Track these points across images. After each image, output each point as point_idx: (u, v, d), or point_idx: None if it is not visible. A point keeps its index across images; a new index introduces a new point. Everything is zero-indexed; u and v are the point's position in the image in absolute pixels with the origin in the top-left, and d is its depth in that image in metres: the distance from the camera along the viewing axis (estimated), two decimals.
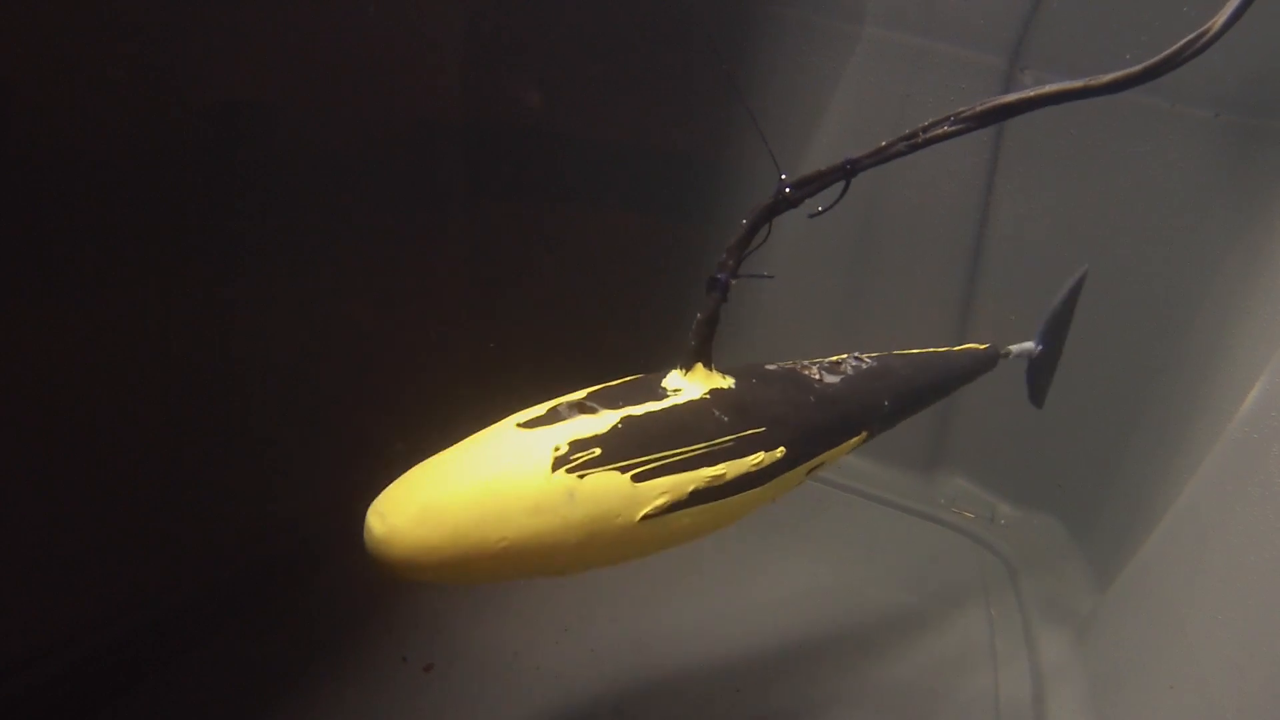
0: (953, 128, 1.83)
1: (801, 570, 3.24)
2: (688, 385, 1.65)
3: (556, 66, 3.40)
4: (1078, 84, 1.74)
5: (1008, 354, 2.86)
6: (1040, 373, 3.22)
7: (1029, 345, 3.01)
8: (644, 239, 4.11)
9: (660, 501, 1.38)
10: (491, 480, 1.27)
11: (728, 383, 1.70)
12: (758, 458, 1.57)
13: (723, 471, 1.49)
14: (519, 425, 1.36)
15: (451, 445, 1.37)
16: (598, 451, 1.33)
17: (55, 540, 1.99)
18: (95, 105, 1.84)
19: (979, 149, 3.89)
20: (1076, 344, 3.91)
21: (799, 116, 4.05)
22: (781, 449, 1.63)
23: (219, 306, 2.31)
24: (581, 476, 1.29)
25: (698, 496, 1.45)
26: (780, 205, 1.79)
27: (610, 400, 1.45)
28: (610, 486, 1.33)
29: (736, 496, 1.54)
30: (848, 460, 4.14)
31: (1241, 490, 2.17)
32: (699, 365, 1.70)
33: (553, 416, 1.38)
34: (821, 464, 1.84)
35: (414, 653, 2.41)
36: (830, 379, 1.93)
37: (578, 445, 1.32)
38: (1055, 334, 3.14)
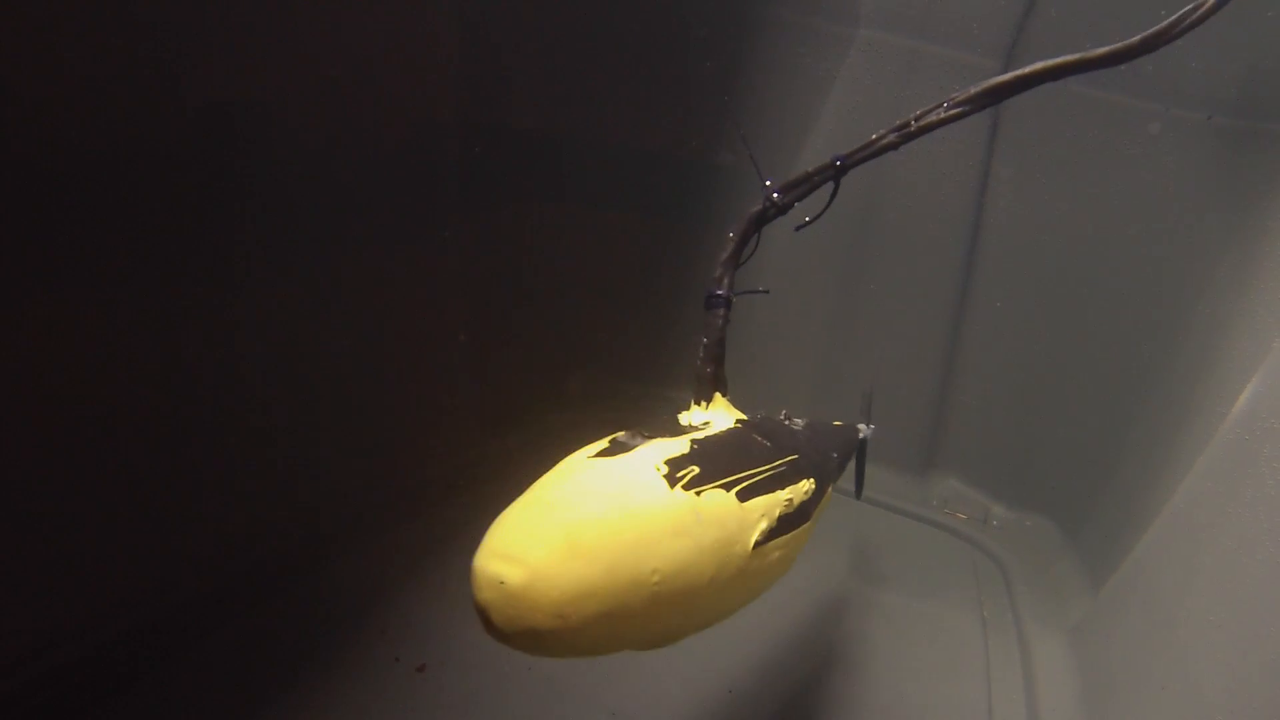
0: (949, 113, 1.75)
1: (795, 571, 3.23)
2: (714, 417, 1.56)
3: (553, 70, 3.40)
4: (1073, 58, 1.69)
5: (860, 433, 2.79)
6: (861, 456, 3.12)
7: (863, 427, 2.94)
8: (641, 240, 4.11)
9: (763, 526, 1.27)
10: (622, 499, 1.07)
11: (744, 416, 1.61)
12: (806, 485, 1.48)
13: (791, 496, 1.40)
14: (595, 456, 1.18)
15: (528, 486, 1.13)
16: (696, 470, 1.18)
17: (52, 541, 1.99)
18: (92, 106, 1.83)
19: (971, 153, 3.90)
20: (1071, 346, 3.93)
21: (793, 119, 4.05)
22: (812, 480, 1.54)
23: (218, 308, 2.30)
24: (699, 493, 1.15)
25: (783, 524, 1.35)
26: (769, 212, 1.74)
27: (655, 434, 1.29)
28: (725, 505, 1.20)
29: (800, 530, 1.45)
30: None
31: (1233, 492, 2.18)
32: (717, 395, 1.62)
33: (619, 447, 1.20)
34: (822, 508, 1.71)
35: (407, 654, 2.40)
36: (795, 426, 1.84)
37: (674, 464, 1.17)
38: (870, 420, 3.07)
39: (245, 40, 2.17)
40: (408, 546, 2.82)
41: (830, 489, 1.84)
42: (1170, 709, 2.07)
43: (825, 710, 2.58)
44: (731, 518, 1.20)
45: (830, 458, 1.93)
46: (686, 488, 1.14)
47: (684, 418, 1.53)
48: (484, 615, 0.97)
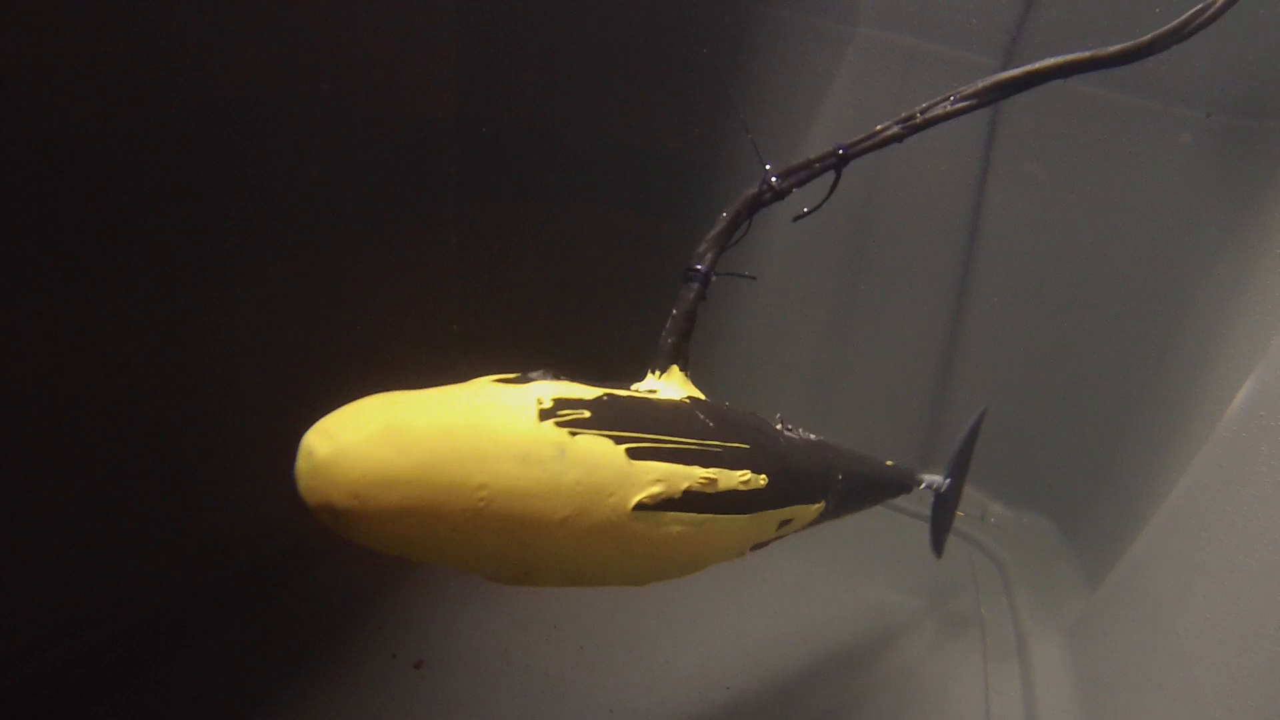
0: (954, 106, 1.74)
1: (792, 569, 3.24)
2: (664, 387, 1.52)
3: (550, 66, 3.39)
4: (1084, 55, 1.67)
5: (919, 482, 2.74)
6: (943, 511, 3.07)
7: (938, 478, 2.90)
8: (637, 237, 4.10)
9: (655, 490, 1.21)
10: (473, 412, 1.06)
11: (700, 395, 1.56)
12: (745, 475, 1.42)
13: (715, 476, 1.34)
14: (494, 381, 1.19)
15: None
16: (587, 414, 1.16)
17: (49, 540, 1.99)
18: (89, 103, 1.83)
19: (971, 151, 3.90)
20: (1070, 344, 3.93)
21: (792, 117, 4.05)
22: (764, 477, 1.47)
23: (216, 305, 2.30)
24: (573, 434, 1.12)
25: (691, 500, 1.29)
26: (765, 196, 1.71)
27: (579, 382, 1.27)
28: (604, 454, 1.15)
29: (724, 519, 1.39)
30: None
31: (1231, 489, 2.18)
32: (674, 368, 1.58)
33: (523, 379, 1.19)
34: (790, 522, 1.67)
35: (404, 650, 2.40)
36: (787, 433, 1.78)
37: (564, 403, 1.14)
38: (959, 470, 3.01)
39: (244, 39, 2.17)
40: None
41: (822, 507, 1.78)
42: (1168, 707, 2.07)
43: (823, 708, 2.58)
44: (610, 468, 1.16)
45: (832, 479, 1.86)
46: (561, 425, 1.11)
47: (635, 386, 1.49)
48: (296, 484, 0.96)
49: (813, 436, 1.91)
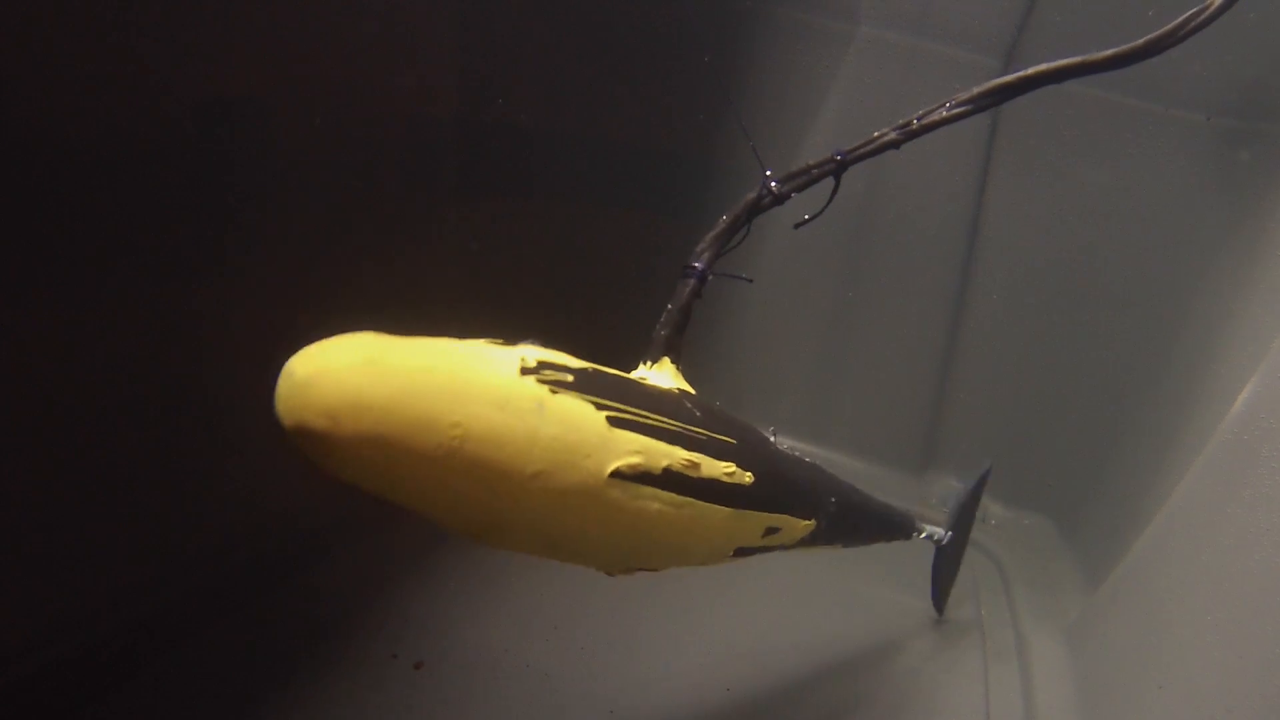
0: (950, 112, 1.76)
1: (791, 569, 3.23)
2: (654, 376, 1.53)
3: (551, 65, 3.39)
4: (1078, 60, 1.70)
5: (920, 530, 2.72)
6: (945, 566, 3.07)
7: (939, 530, 2.88)
8: (639, 236, 4.10)
9: (633, 460, 1.20)
10: (455, 356, 1.07)
11: (690, 389, 1.55)
12: (730, 467, 1.40)
13: (698, 460, 1.32)
14: (484, 342, 1.17)
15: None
16: (570, 378, 1.15)
17: (45, 536, 1.98)
18: (80, 100, 1.82)
19: (971, 152, 3.90)
20: (1069, 344, 3.93)
21: (791, 117, 4.05)
22: (750, 475, 1.45)
23: (213, 304, 2.29)
24: (554, 392, 1.11)
25: (670, 479, 1.27)
26: (764, 200, 1.74)
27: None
28: (583, 416, 1.14)
29: (704, 506, 1.37)
30: (838, 458, 4.15)
31: (1232, 492, 2.18)
32: (666, 359, 1.58)
33: (510, 341, 1.19)
34: (778, 531, 1.66)
35: (404, 650, 2.39)
36: (778, 443, 1.76)
37: (547, 365, 1.14)
38: (962, 525, 2.99)
39: (242, 37, 2.17)
40: (406, 542, 2.81)
41: (813, 525, 1.77)
42: (1167, 707, 2.07)
43: (823, 708, 2.58)
44: (588, 430, 1.15)
45: (823, 498, 1.85)
46: (542, 382, 1.11)
47: (633, 374, 1.49)
48: (274, 407, 0.96)
49: (805, 459, 1.90)
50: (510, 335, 1.19)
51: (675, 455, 1.28)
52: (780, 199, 1.76)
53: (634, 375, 1.50)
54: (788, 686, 2.64)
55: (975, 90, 1.76)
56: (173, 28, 1.97)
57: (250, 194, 2.32)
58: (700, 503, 1.35)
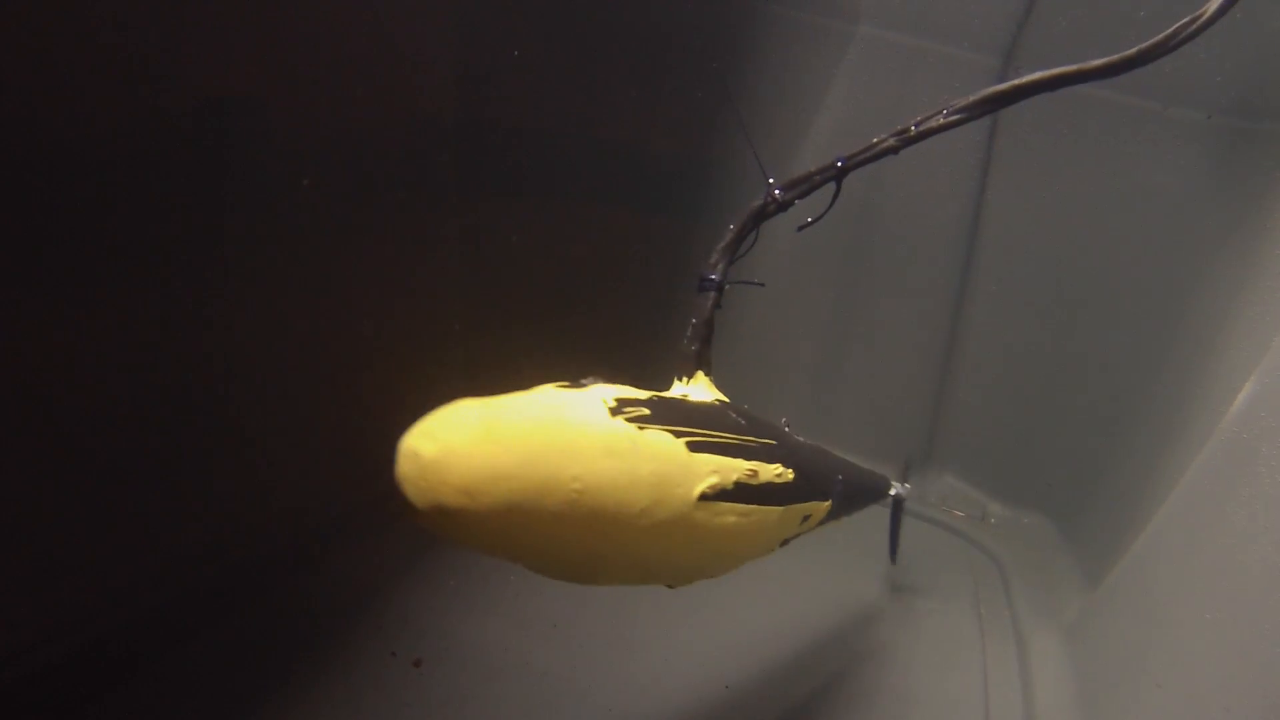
0: (948, 119, 1.80)
1: (791, 568, 3.24)
2: (693, 391, 1.60)
3: (550, 65, 3.39)
4: (1071, 69, 1.72)
5: (890, 488, 2.95)
6: (896, 517, 3.31)
7: (900, 486, 3.12)
8: (638, 235, 4.11)
9: (712, 481, 1.26)
10: (555, 410, 1.10)
11: (725, 398, 1.63)
12: (778, 469, 1.48)
13: (757, 469, 1.40)
14: (554, 387, 1.22)
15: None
16: (647, 411, 1.20)
17: (46, 536, 1.98)
18: (81, 100, 1.82)
19: (971, 153, 3.90)
20: (1069, 344, 3.93)
21: (791, 116, 4.05)
22: (792, 472, 1.53)
23: (212, 304, 2.29)
24: (641, 429, 1.16)
25: (740, 491, 1.34)
26: (769, 208, 1.79)
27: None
28: (668, 447, 1.20)
29: (764, 510, 1.44)
30: None
31: (1231, 490, 2.18)
32: (700, 373, 1.66)
33: (578, 384, 1.23)
34: (809, 517, 1.74)
35: (403, 648, 2.40)
36: (795, 436, 1.85)
37: (626, 402, 1.19)
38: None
39: (239, 36, 2.17)
40: (404, 541, 2.81)
41: (830, 505, 1.85)
42: (1166, 706, 2.07)
43: (822, 707, 2.58)
44: (674, 460, 1.21)
45: (834, 479, 1.95)
46: (630, 421, 1.15)
47: (670, 391, 1.55)
48: (400, 489, 0.97)
49: (812, 444, 1.98)
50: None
51: (740, 468, 1.35)
52: (784, 206, 1.82)
53: (676, 394, 1.56)
54: (787, 684, 2.64)
55: (971, 98, 1.81)
56: (172, 28, 1.97)
57: (249, 194, 2.32)
58: (762, 507, 1.43)
